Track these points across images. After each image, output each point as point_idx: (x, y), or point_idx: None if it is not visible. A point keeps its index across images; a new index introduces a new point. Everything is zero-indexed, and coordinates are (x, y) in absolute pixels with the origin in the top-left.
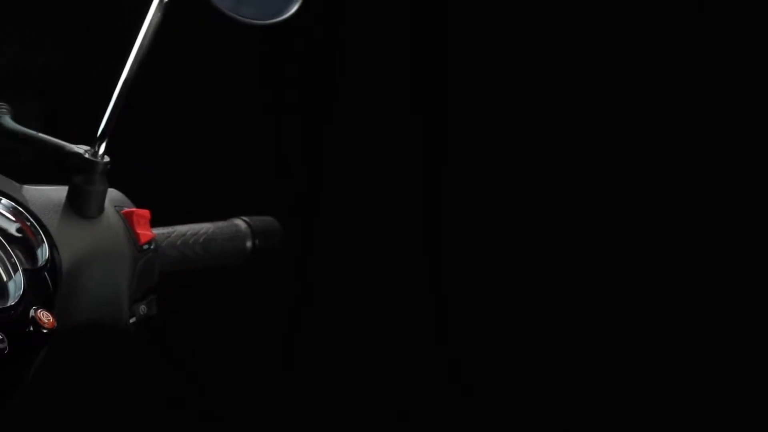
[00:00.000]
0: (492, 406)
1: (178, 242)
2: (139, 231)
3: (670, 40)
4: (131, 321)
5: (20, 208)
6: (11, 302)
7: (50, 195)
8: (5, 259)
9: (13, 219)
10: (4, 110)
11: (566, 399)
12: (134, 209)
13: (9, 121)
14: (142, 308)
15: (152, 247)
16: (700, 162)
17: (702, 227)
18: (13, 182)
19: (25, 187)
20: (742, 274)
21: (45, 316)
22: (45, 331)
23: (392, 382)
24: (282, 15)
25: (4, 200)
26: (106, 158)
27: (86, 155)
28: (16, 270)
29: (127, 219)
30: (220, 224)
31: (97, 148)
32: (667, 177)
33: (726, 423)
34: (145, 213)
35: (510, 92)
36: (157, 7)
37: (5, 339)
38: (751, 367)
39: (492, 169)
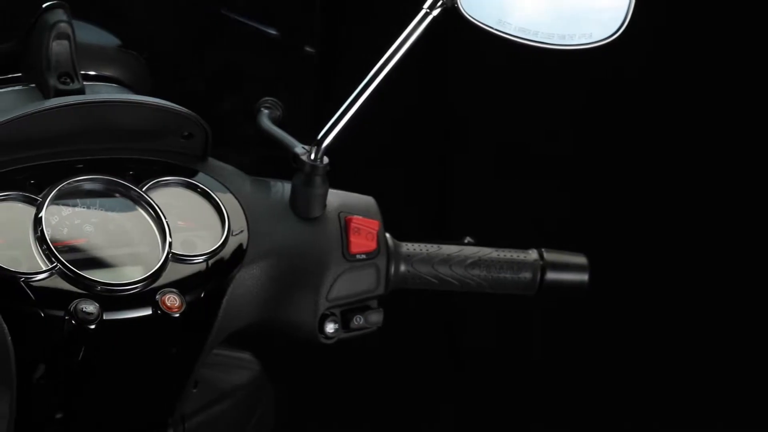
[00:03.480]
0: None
1: (436, 261)
2: (352, 239)
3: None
4: (331, 329)
5: (214, 195)
6: (129, 280)
7: (275, 190)
8: (149, 238)
9: (207, 204)
10: (269, 105)
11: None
12: (355, 217)
13: (263, 116)
14: (357, 318)
15: (371, 258)
16: (700, 166)
17: (703, 230)
18: (238, 171)
19: (253, 178)
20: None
21: (170, 301)
22: (175, 315)
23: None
24: (596, 39)
25: (201, 185)
26: (326, 160)
27: (303, 156)
28: (155, 250)
29: (346, 225)
30: (504, 251)
31: (316, 149)
32: (667, 176)
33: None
34: (371, 223)
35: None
36: (419, 20)
37: (98, 311)
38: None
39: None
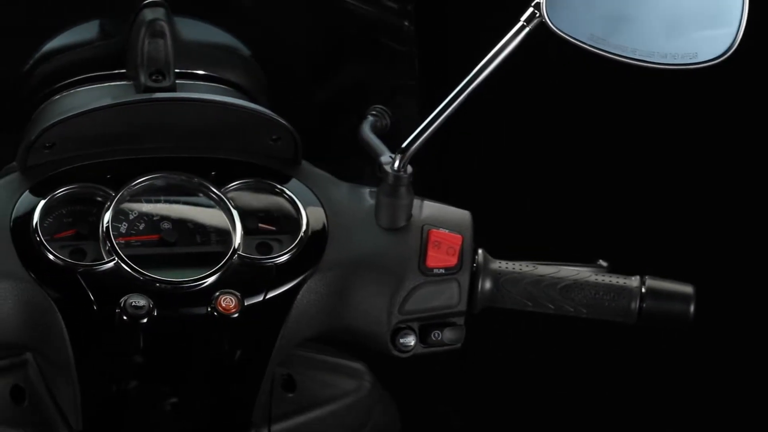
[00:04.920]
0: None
1: (528, 281)
2: (431, 253)
3: None
4: (405, 343)
5: (297, 200)
6: (186, 278)
7: (364, 198)
8: (224, 239)
9: (290, 208)
10: (376, 113)
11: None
12: (437, 230)
13: (366, 123)
14: (436, 334)
15: (451, 274)
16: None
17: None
18: (330, 177)
19: (346, 185)
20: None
21: (226, 302)
22: (233, 317)
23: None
24: (702, 60)
25: (284, 188)
26: (410, 170)
27: (387, 165)
28: (226, 251)
29: (427, 239)
30: (605, 275)
31: (400, 158)
32: (675, 181)
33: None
34: (453, 238)
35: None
36: (514, 33)
37: (152, 305)
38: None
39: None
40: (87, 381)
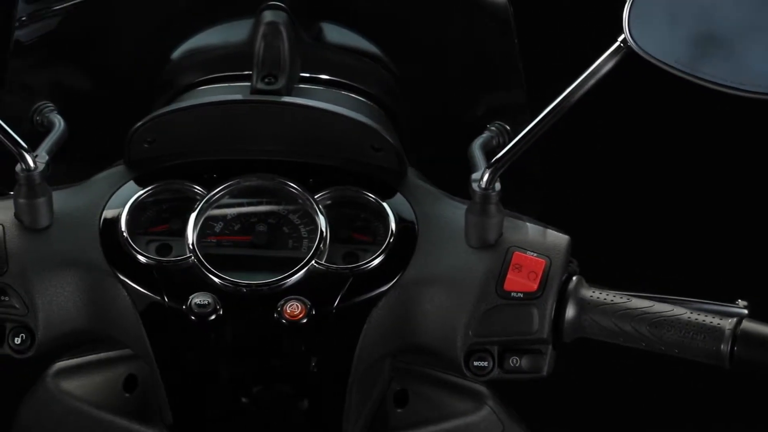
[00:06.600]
0: None
1: (617, 313)
2: (510, 276)
3: None
4: (479, 366)
5: (390, 212)
6: (254, 281)
7: (460, 214)
8: (311, 245)
9: (383, 219)
10: (493, 129)
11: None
12: (521, 253)
13: (479, 138)
14: (513, 360)
15: (531, 299)
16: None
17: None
18: (432, 190)
19: (447, 198)
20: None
21: (291, 308)
22: (301, 322)
23: None
24: None
25: (378, 200)
26: (497, 187)
27: (474, 182)
28: (296, 258)
29: (510, 261)
30: (701, 314)
31: (490, 174)
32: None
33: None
34: (536, 262)
35: None
36: (610, 54)
37: (218, 305)
38: None
39: None
40: (170, 376)
